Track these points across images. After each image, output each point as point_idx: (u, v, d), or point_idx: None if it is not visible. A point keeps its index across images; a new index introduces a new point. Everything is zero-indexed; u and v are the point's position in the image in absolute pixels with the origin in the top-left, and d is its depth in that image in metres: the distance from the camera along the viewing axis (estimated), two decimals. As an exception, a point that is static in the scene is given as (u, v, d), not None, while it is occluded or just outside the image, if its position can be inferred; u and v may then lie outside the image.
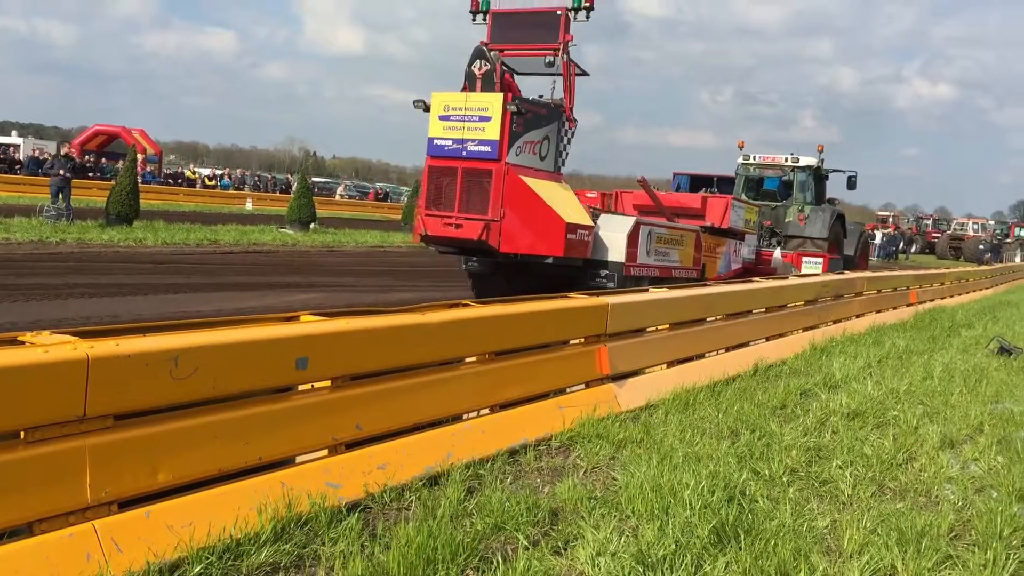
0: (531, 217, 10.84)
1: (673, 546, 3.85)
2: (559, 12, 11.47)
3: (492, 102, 10.75)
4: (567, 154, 12.01)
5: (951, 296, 20.68)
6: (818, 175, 21.08)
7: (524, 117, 10.96)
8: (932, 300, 18.64)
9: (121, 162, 26.40)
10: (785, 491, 4.91)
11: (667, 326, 7.76)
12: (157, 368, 3.47)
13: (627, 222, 12.28)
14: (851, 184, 21.78)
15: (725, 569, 3.74)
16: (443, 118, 11.03)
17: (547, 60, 11.54)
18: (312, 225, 26.17)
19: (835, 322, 12.38)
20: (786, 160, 20.95)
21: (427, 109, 11.19)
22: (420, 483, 4.53)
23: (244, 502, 3.74)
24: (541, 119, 11.41)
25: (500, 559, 3.71)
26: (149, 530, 3.39)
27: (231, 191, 50.68)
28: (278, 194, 50.77)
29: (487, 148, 10.75)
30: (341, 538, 3.76)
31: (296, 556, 3.62)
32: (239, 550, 3.54)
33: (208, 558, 3.42)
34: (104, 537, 3.25)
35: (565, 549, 3.93)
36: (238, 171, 65.37)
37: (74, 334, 3.50)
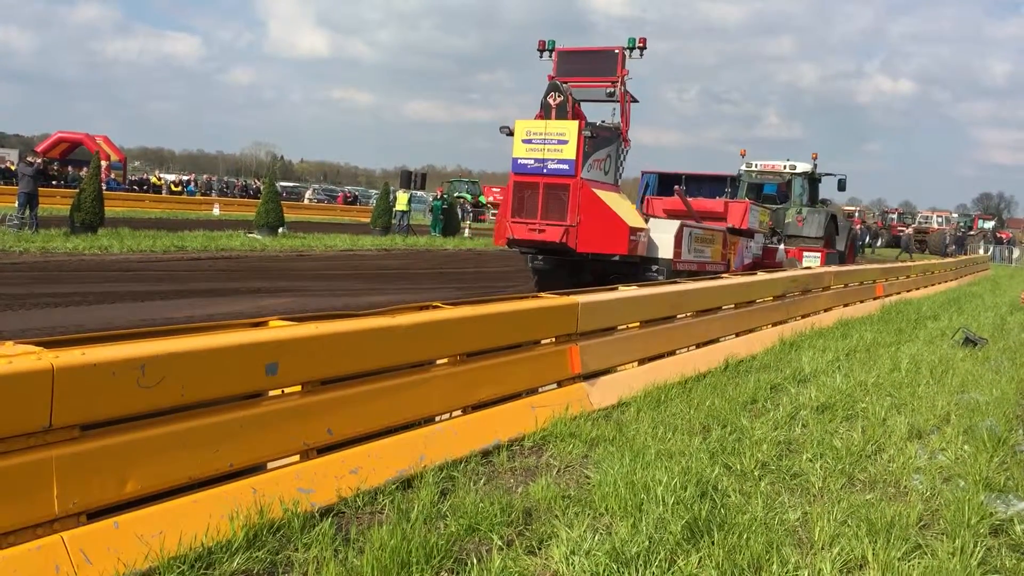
0: (601, 222, 12.84)
1: (647, 543, 3.88)
2: (616, 51, 13.74)
3: (569, 128, 12.77)
4: (623, 169, 14.37)
5: (917, 289, 20.99)
6: (812, 179, 23.24)
7: (594, 140, 12.89)
8: (898, 293, 18.91)
9: (85, 169, 26.08)
10: (756, 485, 4.96)
11: (638, 324, 7.80)
12: (124, 377, 3.43)
13: (673, 225, 14.28)
14: (841, 186, 24.53)
15: (699, 564, 3.77)
16: (526, 141, 13.02)
17: (608, 91, 13.82)
18: (281, 230, 25.95)
19: (803, 316, 12.50)
20: (784, 167, 22.66)
21: (511, 134, 13.11)
22: (393, 486, 4.52)
23: (215, 510, 3.71)
24: (604, 141, 13.47)
25: (475, 560, 3.71)
26: (119, 540, 3.35)
27: (198, 197, 50.21)
28: (246, 199, 50.36)
29: (565, 166, 12.79)
30: (314, 543, 3.74)
31: (269, 563, 3.60)
32: (211, 558, 3.51)
33: (179, 567, 3.39)
34: (73, 549, 3.21)
35: (539, 548, 3.94)
36: (204, 176, 64.76)
37: (38, 344, 3.45)
